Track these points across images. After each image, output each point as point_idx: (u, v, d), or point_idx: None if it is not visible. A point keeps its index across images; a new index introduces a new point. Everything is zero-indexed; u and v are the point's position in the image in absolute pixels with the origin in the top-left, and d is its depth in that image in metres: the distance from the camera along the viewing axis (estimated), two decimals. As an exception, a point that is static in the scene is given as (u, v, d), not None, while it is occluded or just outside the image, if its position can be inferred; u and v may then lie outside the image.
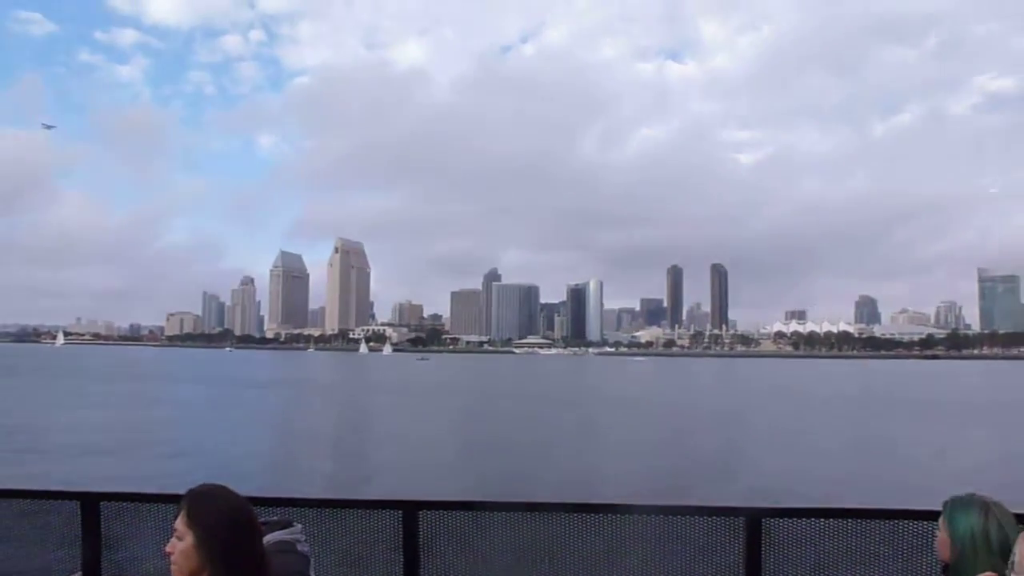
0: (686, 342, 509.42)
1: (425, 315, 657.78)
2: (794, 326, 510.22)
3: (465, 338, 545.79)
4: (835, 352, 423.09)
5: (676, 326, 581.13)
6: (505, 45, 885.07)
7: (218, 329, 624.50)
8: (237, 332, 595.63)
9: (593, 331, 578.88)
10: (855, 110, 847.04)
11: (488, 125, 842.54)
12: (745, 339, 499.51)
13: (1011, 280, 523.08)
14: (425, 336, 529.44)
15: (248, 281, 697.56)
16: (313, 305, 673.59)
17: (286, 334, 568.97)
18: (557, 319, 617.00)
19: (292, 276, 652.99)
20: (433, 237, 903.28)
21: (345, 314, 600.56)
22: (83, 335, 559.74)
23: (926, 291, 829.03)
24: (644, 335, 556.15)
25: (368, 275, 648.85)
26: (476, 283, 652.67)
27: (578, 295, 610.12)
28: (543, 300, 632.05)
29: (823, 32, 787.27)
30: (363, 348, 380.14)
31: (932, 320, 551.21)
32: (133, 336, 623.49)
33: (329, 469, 32.95)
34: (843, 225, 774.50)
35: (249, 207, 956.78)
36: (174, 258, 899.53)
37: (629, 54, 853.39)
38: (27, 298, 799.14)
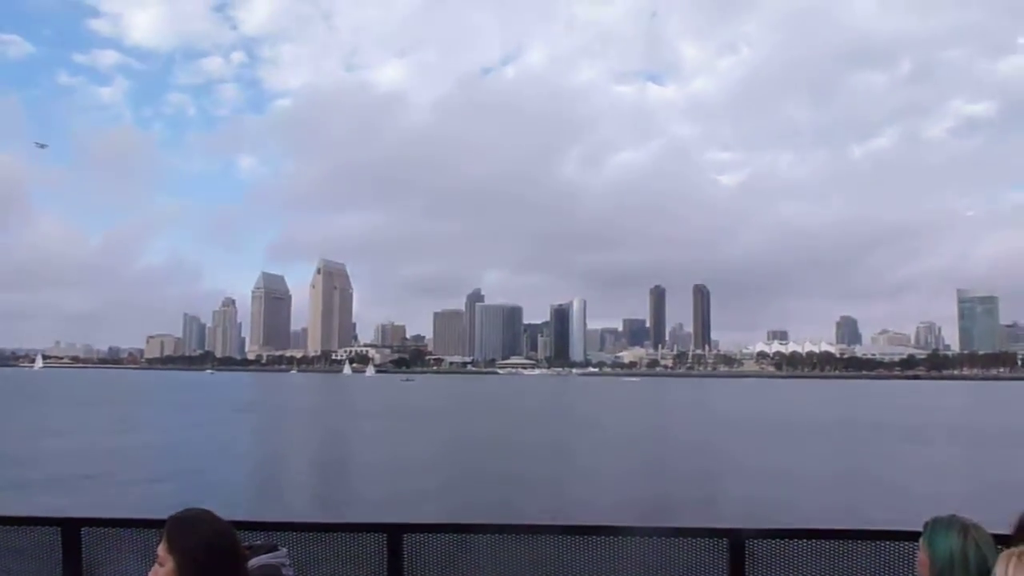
0: (669, 362, 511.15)
1: (408, 336, 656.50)
2: (776, 346, 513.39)
3: (448, 359, 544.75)
4: (817, 372, 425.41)
5: (659, 346, 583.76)
6: (486, 67, 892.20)
7: (199, 351, 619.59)
8: (218, 354, 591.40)
9: (577, 351, 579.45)
10: (833, 134, 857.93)
11: (469, 147, 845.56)
12: (728, 359, 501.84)
13: (990, 301, 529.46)
14: (408, 357, 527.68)
15: (229, 303, 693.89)
16: (295, 326, 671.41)
17: (268, 356, 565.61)
18: (540, 339, 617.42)
19: (274, 297, 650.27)
20: (415, 258, 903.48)
21: (328, 335, 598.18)
22: (61, 358, 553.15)
23: (906, 312, 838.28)
24: (627, 355, 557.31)
25: (351, 296, 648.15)
26: (459, 304, 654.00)
27: (561, 315, 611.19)
28: (526, 320, 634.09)
29: (800, 56, 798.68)
30: (347, 369, 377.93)
31: (912, 340, 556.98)
32: (112, 359, 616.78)
33: (313, 492, 32.98)
34: (822, 247, 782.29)
35: (230, 228, 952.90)
36: (154, 280, 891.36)
37: (608, 77, 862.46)
38: (2, 321, 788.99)
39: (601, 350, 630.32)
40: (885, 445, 52.88)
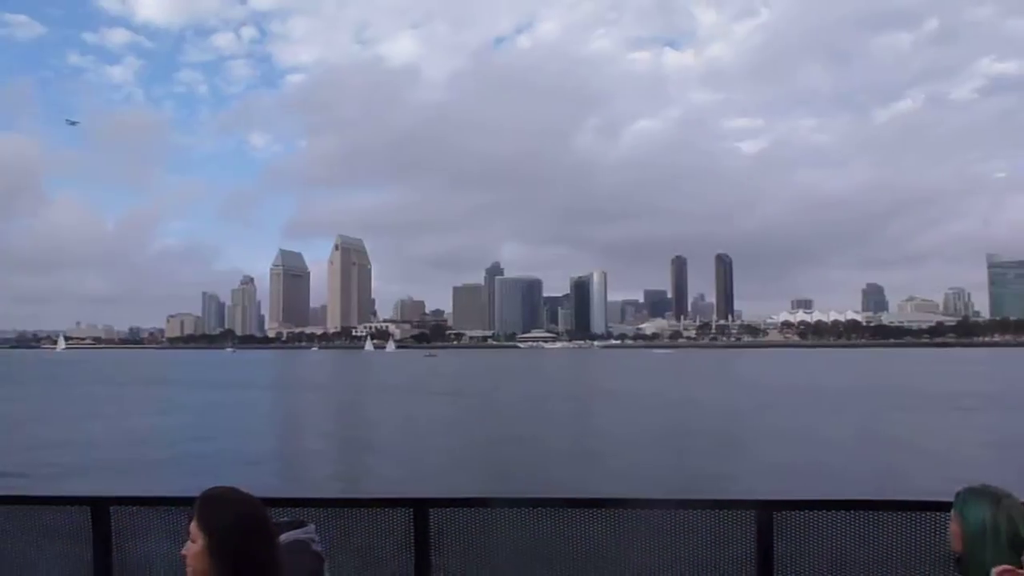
0: (692, 333, 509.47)
1: (427, 311, 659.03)
2: (801, 316, 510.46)
3: (469, 333, 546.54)
4: (843, 341, 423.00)
5: (682, 317, 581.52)
6: (499, 37, 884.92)
7: (219, 330, 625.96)
8: (238, 332, 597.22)
9: (598, 324, 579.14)
10: (855, 98, 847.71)
11: (484, 119, 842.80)
12: (752, 329, 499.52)
13: (1021, 266, 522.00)
14: (428, 332, 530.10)
15: (248, 281, 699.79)
16: (314, 303, 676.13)
17: (288, 333, 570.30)
18: (561, 312, 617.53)
19: (292, 275, 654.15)
20: (433, 233, 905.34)
21: (347, 312, 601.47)
22: (83, 339, 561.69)
23: (933, 278, 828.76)
24: (649, 327, 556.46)
25: (369, 272, 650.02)
26: (478, 278, 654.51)
27: (582, 288, 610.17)
28: (546, 294, 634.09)
29: (820, 18, 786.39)
30: (368, 346, 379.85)
31: (941, 308, 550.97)
32: (133, 339, 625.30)
33: (339, 468, 33.18)
34: (846, 214, 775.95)
35: (246, 207, 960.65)
36: (171, 260, 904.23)
37: (623, 44, 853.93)
38: (24, 304, 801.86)
39: (622, 322, 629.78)
40: (915, 413, 52.22)
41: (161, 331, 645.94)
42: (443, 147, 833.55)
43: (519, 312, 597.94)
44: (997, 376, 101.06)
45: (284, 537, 3.22)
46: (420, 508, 5.57)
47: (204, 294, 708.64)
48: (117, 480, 28.05)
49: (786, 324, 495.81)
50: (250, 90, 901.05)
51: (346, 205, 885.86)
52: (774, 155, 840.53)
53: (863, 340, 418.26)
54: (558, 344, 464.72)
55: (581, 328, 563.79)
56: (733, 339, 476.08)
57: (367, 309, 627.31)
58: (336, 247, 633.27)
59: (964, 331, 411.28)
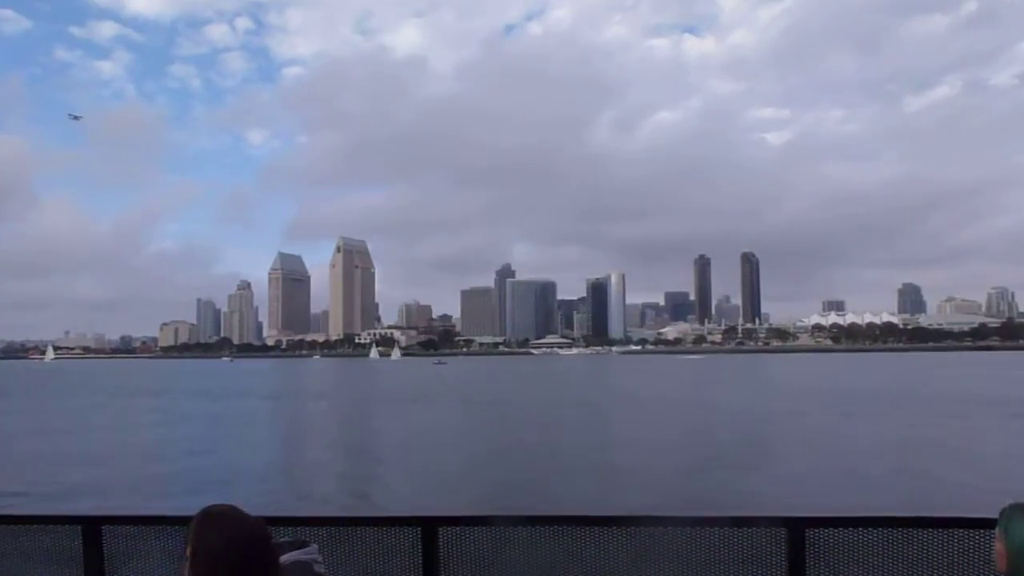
0: (717, 338, 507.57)
1: (434, 316, 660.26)
2: (833, 318, 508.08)
3: (479, 339, 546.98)
4: (879, 345, 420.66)
5: (706, 321, 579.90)
6: (509, 24, 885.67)
7: (215, 338, 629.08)
8: (235, 340, 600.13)
9: (616, 328, 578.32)
10: (886, 86, 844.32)
11: (493, 112, 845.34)
12: (781, 333, 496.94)
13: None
14: (436, 339, 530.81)
15: (245, 286, 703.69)
16: (315, 309, 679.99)
17: (288, 341, 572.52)
18: (576, 316, 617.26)
19: (292, 279, 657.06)
20: (440, 234, 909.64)
21: (350, 318, 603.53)
22: (72, 349, 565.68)
23: (975, 277, 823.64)
24: (671, 331, 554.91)
25: (373, 275, 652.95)
26: (487, 281, 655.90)
27: (599, 290, 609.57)
28: (560, 297, 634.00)
29: (848, 1, 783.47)
30: (374, 353, 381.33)
31: (983, 308, 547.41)
32: (125, 349, 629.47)
33: (344, 484, 33.29)
34: (878, 209, 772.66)
35: (243, 208, 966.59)
36: (165, 265, 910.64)
37: (640, 31, 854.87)
38: (11, 312, 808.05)
39: (642, 327, 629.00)
40: (957, 421, 51.88)
41: (154, 340, 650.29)
42: (450, 142, 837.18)
43: (532, 317, 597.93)
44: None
45: (285, 558, 3.24)
46: (429, 527, 5.57)
47: (199, 300, 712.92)
48: (110, 498, 28.22)
49: (817, 327, 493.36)
50: (246, 84, 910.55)
51: (348, 205, 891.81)
52: (801, 147, 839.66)
53: (900, 344, 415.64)
54: (574, 350, 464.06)
55: (598, 333, 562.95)
56: (761, 343, 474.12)
57: (371, 315, 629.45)
58: (338, 249, 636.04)
59: (1009, 333, 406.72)
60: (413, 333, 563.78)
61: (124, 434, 52.97)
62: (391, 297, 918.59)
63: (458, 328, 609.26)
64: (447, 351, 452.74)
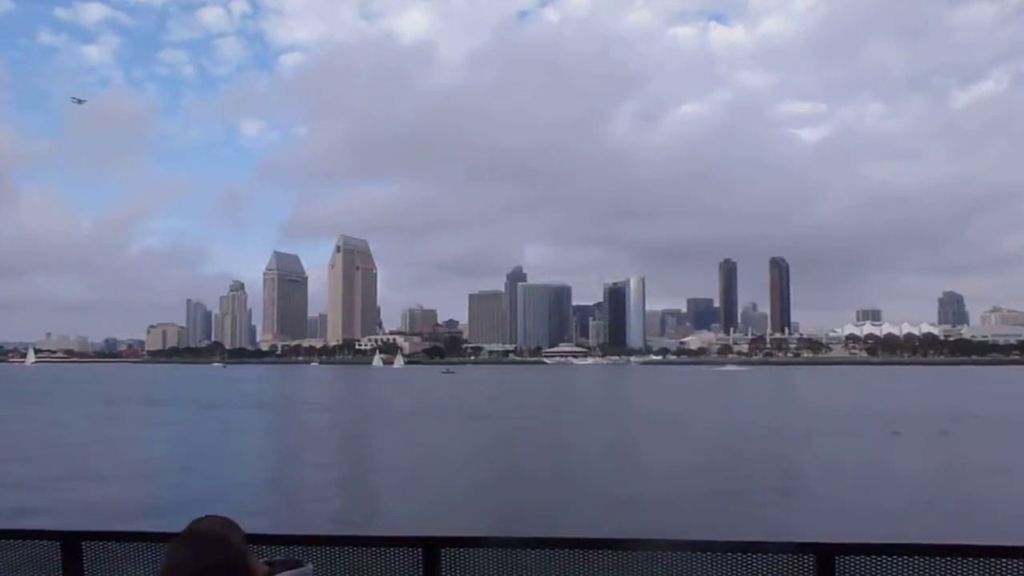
0: (744, 348, 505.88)
1: (440, 321, 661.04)
2: (869, 328, 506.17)
3: (488, 347, 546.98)
4: (919, 357, 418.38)
5: (731, 330, 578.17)
6: (522, 10, 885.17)
7: (205, 342, 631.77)
8: (227, 344, 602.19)
9: (635, 337, 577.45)
10: (930, 79, 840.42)
11: (506, 106, 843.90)
12: (813, 344, 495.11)
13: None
14: (442, 346, 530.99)
15: (238, 287, 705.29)
16: (312, 312, 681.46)
17: (283, 346, 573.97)
18: (592, 324, 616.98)
19: (288, 280, 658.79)
20: (446, 234, 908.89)
21: (349, 322, 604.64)
22: (54, 352, 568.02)
23: (1021, 286, 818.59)
24: (694, 340, 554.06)
25: (374, 276, 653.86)
26: (497, 284, 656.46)
27: (616, 295, 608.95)
28: (575, 302, 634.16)
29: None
30: (377, 361, 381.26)
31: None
32: (110, 352, 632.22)
33: (344, 502, 33.20)
34: (919, 212, 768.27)
35: (236, 204, 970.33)
36: (153, 263, 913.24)
37: (664, 18, 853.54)
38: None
39: (662, 335, 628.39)
40: (1002, 443, 51.35)
41: (141, 343, 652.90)
42: (459, 136, 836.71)
43: (545, 323, 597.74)
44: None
45: None
46: (430, 548, 5.63)
47: (189, 302, 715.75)
48: (92, 514, 28.04)
49: (852, 338, 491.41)
50: (241, 72, 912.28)
51: (349, 202, 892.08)
52: (837, 144, 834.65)
53: (941, 357, 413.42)
54: (590, 360, 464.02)
55: (615, 342, 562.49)
56: (791, 355, 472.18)
57: (372, 319, 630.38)
58: (337, 249, 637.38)
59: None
60: (417, 340, 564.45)
61: (112, 447, 52.93)
62: (394, 301, 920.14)
63: (465, 335, 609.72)
64: (454, 359, 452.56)
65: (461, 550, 5.69)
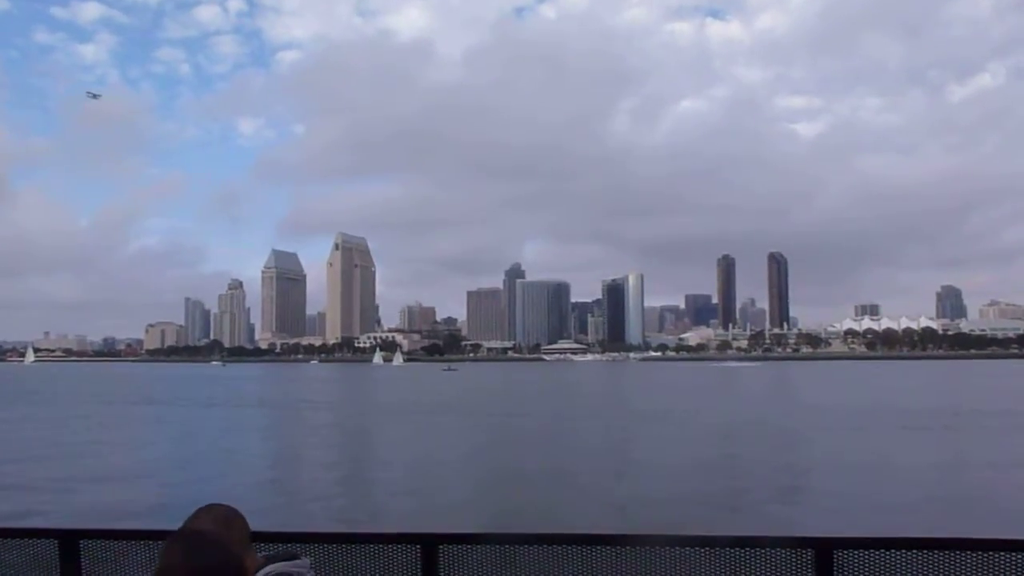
0: (744, 344, 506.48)
1: (438, 319, 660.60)
2: (867, 323, 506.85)
3: (487, 344, 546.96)
4: (918, 352, 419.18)
5: (730, 325, 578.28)
6: (519, 7, 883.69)
7: (204, 341, 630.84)
8: (226, 343, 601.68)
9: (633, 333, 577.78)
10: (927, 73, 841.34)
11: (504, 103, 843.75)
12: (812, 339, 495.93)
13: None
14: (442, 344, 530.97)
15: (236, 285, 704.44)
16: (311, 310, 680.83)
17: (282, 344, 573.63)
18: (591, 320, 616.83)
19: (286, 278, 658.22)
20: (445, 230, 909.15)
21: (348, 320, 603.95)
22: (53, 351, 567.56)
23: (1019, 279, 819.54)
24: (693, 337, 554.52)
25: (373, 274, 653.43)
26: (496, 281, 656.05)
27: (615, 292, 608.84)
28: (574, 299, 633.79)
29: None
30: (377, 358, 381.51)
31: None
32: (109, 351, 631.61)
33: (342, 499, 33.20)
34: (918, 206, 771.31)
35: (233, 202, 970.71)
36: (151, 262, 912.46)
37: (661, 14, 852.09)
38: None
39: (660, 331, 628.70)
40: (1001, 437, 51.27)
41: (139, 342, 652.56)
42: (457, 133, 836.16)
43: (544, 320, 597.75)
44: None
45: (270, 568, 3.37)
46: (428, 545, 5.61)
47: (187, 300, 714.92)
48: (90, 513, 28.09)
49: (850, 333, 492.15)
50: (238, 70, 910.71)
51: (347, 200, 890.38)
52: (834, 139, 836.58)
53: (940, 351, 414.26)
54: (589, 356, 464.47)
55: (614, 338, 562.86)
56: (790, 350, 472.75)
57: (370, 317, 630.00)
58: (336, 247, 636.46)
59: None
60: (416, 337, 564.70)
61: (112, 446, 52.69)
62: (392, 298, 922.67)
63: (464, 332, 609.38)
64: (453, 357, 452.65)
65: (459, 547, 5.67)
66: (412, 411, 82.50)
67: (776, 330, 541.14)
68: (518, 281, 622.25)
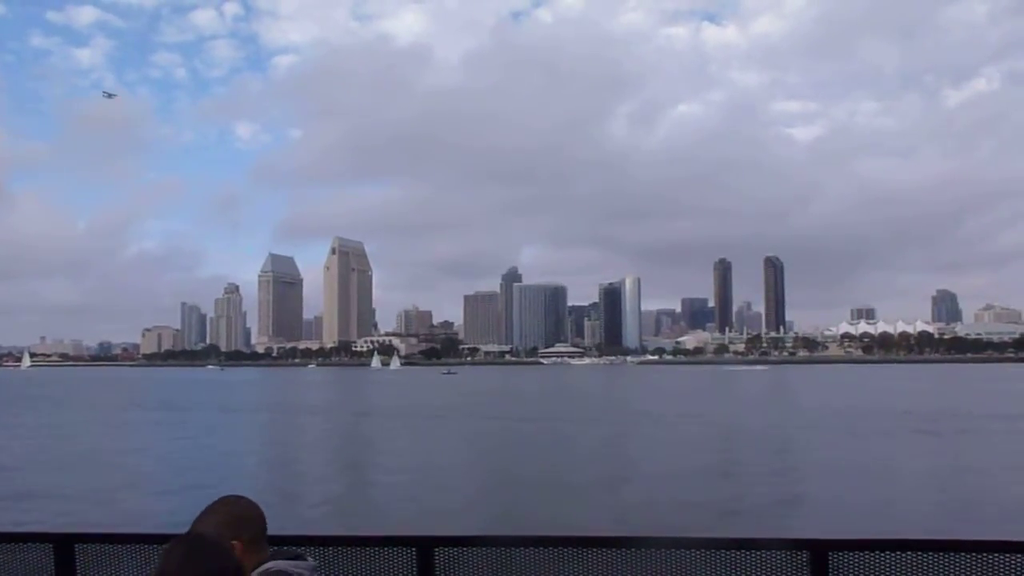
0: (741, 347, 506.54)
1: (435, 322, 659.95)
2: (863, 327, 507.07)
3: (484, 348, 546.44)
4: (915, 355, 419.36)
5: (727, 329, 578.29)
6: (515, 11, 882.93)
7: (200, 345, 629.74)
8: (222, 347, 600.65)
9: (630, 337, 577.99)
10: (923, 77, 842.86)
11: (501, 107, 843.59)
12: (809, 343, 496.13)
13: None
14: (439, 347, 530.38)
15: (233, 289, 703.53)
16: (308, 315, 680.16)
17: (279, 348, 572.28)
18: (588, 324, 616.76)
19: (283, 282, 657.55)
20: (442, 234, 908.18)
21: (345, 324, 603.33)
22: (49, 356, 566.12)
23: (1015, 283, 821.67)
24: (690, 340, 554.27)
25: (370, 278, 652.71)
26: (493, 285, 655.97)
27: (612, 296, 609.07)
28: (571, 302, 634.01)
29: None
30: (376, 362, 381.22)
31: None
32: (105, 355, 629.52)
33: (337, 502, 33.11)
34: (914, 210, 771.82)
35: (230, 206, 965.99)
36: (147, 266, 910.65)
37: (657, 18, 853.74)
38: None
39: (657, 335, 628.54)
40: (997, 441, 51.46)
41: (136, 346, 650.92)
42: (454, 138, 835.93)
43: (541, 324, 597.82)
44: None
45: (269, 566, 3.40)
46: (424, 547, 5.58)
47: (184, 305, 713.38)
48: (90, 516, 27.98)
49: (847, 336, 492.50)
50: (235, 74, 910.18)
51: (344, 204, 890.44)
52: (831, 143, 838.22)
53: (937, 355, 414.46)
54: (586, 360, 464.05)
55: (611, 342, 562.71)
56: (787, 354, 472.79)
57: (367, 321, 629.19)
58: (333, 251, 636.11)
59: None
60: (413, 341, 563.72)
61: (110, 452, 52.39)
62: (389, 302, 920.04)
63: (460, 335, 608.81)
64: (450, 360, 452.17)
65: (455, 549, 5.66)
66: (414, 415, 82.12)
67: (773, 334, 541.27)
68: (515, 285, 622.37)
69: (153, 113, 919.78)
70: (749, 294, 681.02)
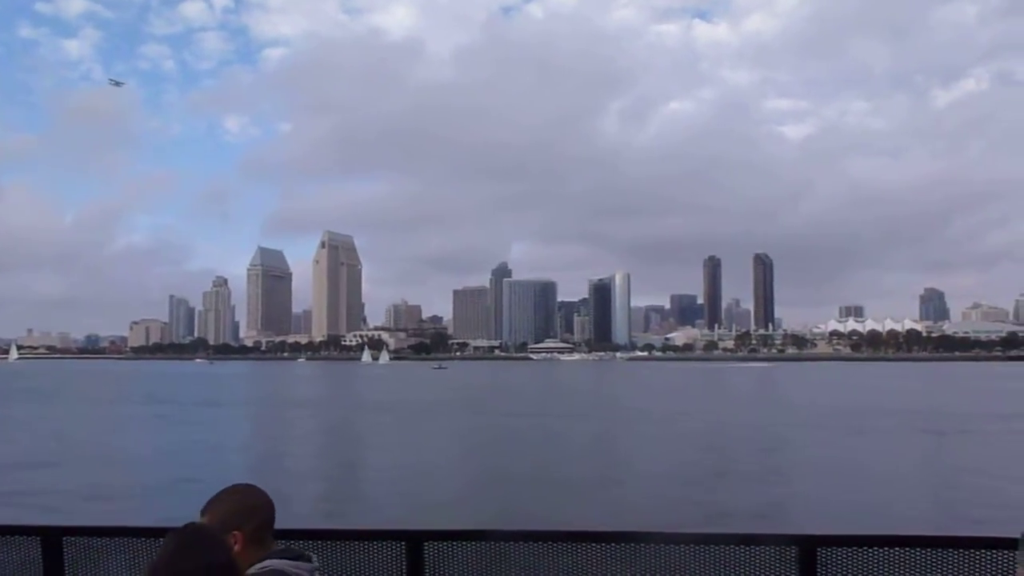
0: (730, 344, 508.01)
1: (424, 317, 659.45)
2: (852, 324, 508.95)
3: (473, 343, 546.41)
4: (903, 353, 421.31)
5: (716, 326, 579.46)
6: (505, 6, 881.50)
7: (188, 338, 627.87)
8: (211, 340, 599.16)
9: (620, 333, 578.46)
10: (913, 77, 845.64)
11: (492, 102, 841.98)
12: (798, 340, 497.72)
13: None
14: (428, 342, 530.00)
15: (221, 282, 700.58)
16: (297, 308, 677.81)
17: (267, 342, 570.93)
18: (577, 320, 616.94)
19: (272, 275, 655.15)
20: (432, 229, 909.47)
21: (334, 318, 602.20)
22: (36, 348, 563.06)
23: (1002, 283, 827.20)
24: (679, 336, 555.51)
25: (359, 272, 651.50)
26: (483, 280, 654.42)
27: (602, 292, 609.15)
28: (561, 298, 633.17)
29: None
30: (366, 356, 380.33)
31: (1011, 316, 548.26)
32: (92, 348, 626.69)
33: (327, 496, 33.16)
34: (903, 209, 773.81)
35: (219, 199, 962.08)
36: (135, 259, 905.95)
37: (648, 15, 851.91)
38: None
39: (646, 331, 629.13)
40: (984, 438, 51.86)
41: (123, 339, 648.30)
42: (445, 133, 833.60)
43: (530, 319, 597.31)
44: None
45: (269, 562, 3.35)
46: (414, 541, 5.57)
47: (172, 298, 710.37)
48: (78, 509, 28.00)
49: (835, 334, 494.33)
50: (224, 67, 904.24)
51: (334, 197, 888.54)
52: (821, 142, 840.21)
53: (925, 353, 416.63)
54: (576, 356, 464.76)
55: (600, 337, 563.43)
56: (775, 351, 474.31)
57: (356, 315, 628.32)
58: (322, 245, 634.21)
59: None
60: (402, 335, 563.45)
61: (101, 445, 52.34)
62: (378, 296, 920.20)
63: (449, 330, 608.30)
64: (439, 355, 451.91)
65: (445, 544, 5.63)
66: (404, 410, 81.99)
67: (761, 331, 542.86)
68: (505, 280, 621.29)
69: (142, 105, 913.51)
70: (738, 291, 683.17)
